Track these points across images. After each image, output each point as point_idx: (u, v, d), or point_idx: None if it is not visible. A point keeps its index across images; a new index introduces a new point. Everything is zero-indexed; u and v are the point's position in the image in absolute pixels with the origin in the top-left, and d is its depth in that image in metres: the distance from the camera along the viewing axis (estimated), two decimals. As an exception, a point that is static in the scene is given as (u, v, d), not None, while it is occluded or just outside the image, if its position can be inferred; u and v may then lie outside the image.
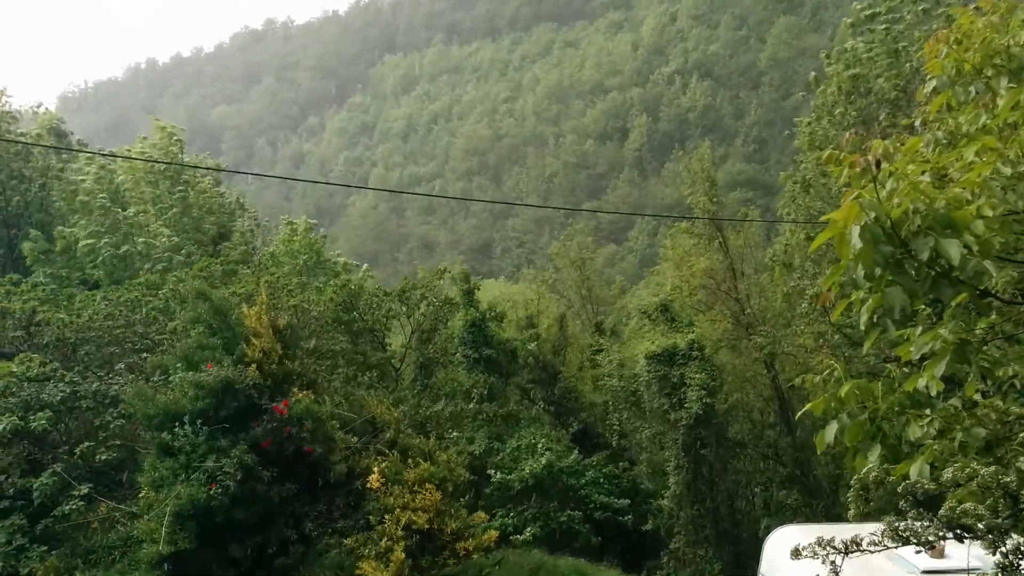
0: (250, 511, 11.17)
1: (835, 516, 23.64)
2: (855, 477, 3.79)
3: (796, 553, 3.66)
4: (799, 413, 10.21)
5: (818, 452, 5.19)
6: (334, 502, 12.32)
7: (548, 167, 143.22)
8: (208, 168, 32.04)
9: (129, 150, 31.27)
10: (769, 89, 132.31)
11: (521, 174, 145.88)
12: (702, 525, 23.24)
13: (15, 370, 13.55)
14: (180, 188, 28.84)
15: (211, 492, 10.69)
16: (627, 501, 24.37)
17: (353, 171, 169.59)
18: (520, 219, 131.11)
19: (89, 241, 23.58)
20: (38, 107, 31.65)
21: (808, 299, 20.08)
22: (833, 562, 3.51)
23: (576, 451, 25.38)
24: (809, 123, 24.46)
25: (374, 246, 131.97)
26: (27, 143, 26.00)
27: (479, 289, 27.14)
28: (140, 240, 25.47)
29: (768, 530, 11.73)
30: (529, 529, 22.27)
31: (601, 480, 24.35)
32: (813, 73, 25.62)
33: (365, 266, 36.06)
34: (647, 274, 46.31)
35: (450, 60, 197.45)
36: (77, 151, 31.42)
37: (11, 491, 12.30)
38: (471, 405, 22.45)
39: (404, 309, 22.89)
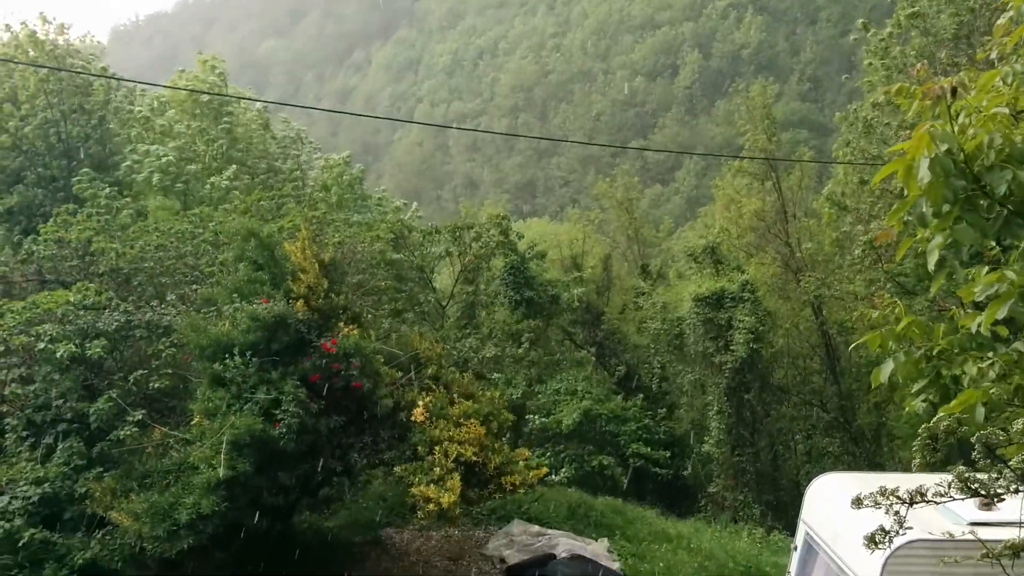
0: (299, 442, 11.43)
1: (877, 465, 23.47)
2: (923, 426, 3.64)
3: (858, 502, 3.54)
4: (851, 347, 9.99)
5: (872, 387, 5.01)
6: (379, 434, 12.52)
7: (595, 104, 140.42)
8: (253, 99, 32.10)
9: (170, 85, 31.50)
10: (827, 25, 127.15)
11: (568, 111, 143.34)
12: (743, 470, 23.27)
13: (72, 299, 13.87)
14: (226, 120, 28.94)
15: (276, 432, 11.06)
16: (667, 452, 24.34)
17: (398, 106, 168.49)
18: (565, 157, 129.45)
19: (154, 147, 24.18)
20: (84, 37, 31.98)
21: (862, 245, 19.49)
22: (898, 512, 3.38)
23: (619, 396, 25.34)
24: (869, 63, 23.35)
25: (418, 183, 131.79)
26: (93, 75, 26.35)
27: (511, 232, 26.88)
28: (194, 166, 25.79)
29: (810, 477, 11.67)
30: (564, 470, 22.54)
31: (640, 431, 24.34)
32: (861, 20, 24.39)
33: (415, 205, 36.05)
34: (698, 214, 45.55)
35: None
36: (143, 83, 31.80)
37: (69, 415, 12.72)
38: (520, 350, 22.54)
39: (456, 248, 22.93)
